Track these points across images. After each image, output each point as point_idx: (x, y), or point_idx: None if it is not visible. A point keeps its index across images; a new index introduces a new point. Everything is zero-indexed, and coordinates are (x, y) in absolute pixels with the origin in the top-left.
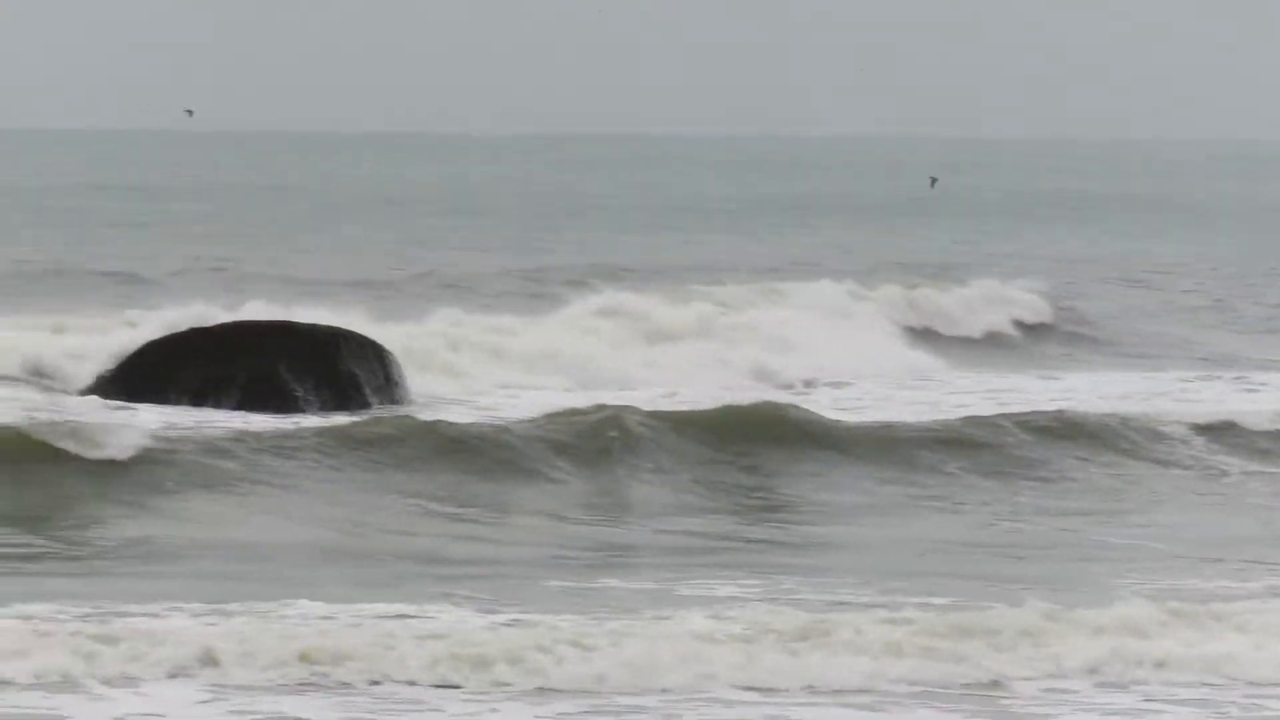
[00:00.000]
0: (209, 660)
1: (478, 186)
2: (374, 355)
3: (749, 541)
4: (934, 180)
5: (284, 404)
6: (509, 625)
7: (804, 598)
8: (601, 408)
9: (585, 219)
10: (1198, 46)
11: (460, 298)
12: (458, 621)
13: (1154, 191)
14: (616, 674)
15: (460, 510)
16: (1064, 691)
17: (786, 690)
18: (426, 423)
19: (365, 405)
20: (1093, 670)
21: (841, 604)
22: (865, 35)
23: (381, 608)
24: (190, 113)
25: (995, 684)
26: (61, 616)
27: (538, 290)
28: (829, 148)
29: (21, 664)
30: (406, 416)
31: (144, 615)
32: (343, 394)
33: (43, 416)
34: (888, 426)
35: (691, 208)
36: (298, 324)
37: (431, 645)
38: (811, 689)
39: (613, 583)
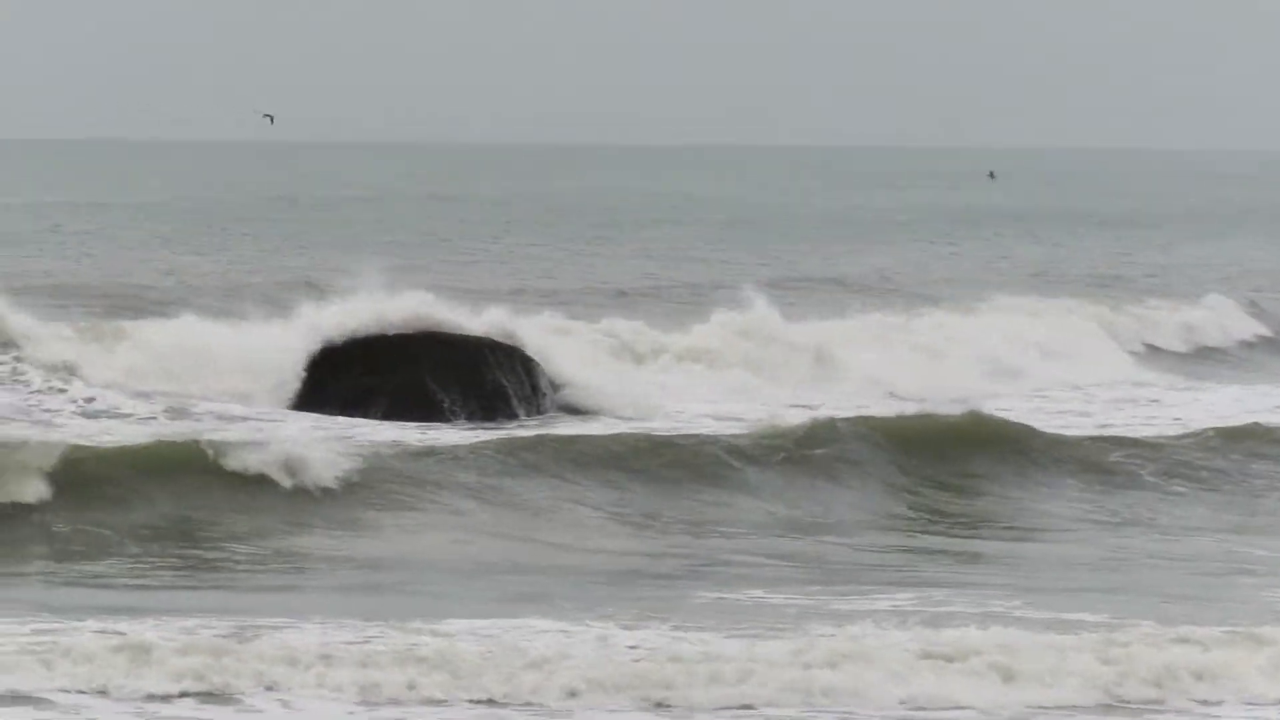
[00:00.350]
0: (360, 673)
1: (623, 197)
2: (521, 365)
3: (915, 551)
4: (992, 174)
5: (430, 414)
6: (658, 640)
7: (956, 610)
8: (797, 417)
9: (730, 229)
10: (1198, 46)
11: (639, 308)
12: (608, 635)
13: (1222, 199)
14: (766, 689)
15: (639, 520)
16: (1213, 703)
17: (935, 710)
18: (608, 434)
19: (512, 416)
20: (1245, 689)
21: (992, 616)
22: (865, 35)
23: (538, 623)
24: (270, 118)
25: (1147, 700)
26: (213, 628)
27: (710, 300)
28: (859, 156)
29: (172, 675)
30: (580, 429)
31: (294, 628)
32: (489, 404)
33: (197, 427)
34: (1085, 439)
35: (828, 219)
36: (445, 334)
37: (579, 661)
38: (954, 705)
39: (766, 595)
